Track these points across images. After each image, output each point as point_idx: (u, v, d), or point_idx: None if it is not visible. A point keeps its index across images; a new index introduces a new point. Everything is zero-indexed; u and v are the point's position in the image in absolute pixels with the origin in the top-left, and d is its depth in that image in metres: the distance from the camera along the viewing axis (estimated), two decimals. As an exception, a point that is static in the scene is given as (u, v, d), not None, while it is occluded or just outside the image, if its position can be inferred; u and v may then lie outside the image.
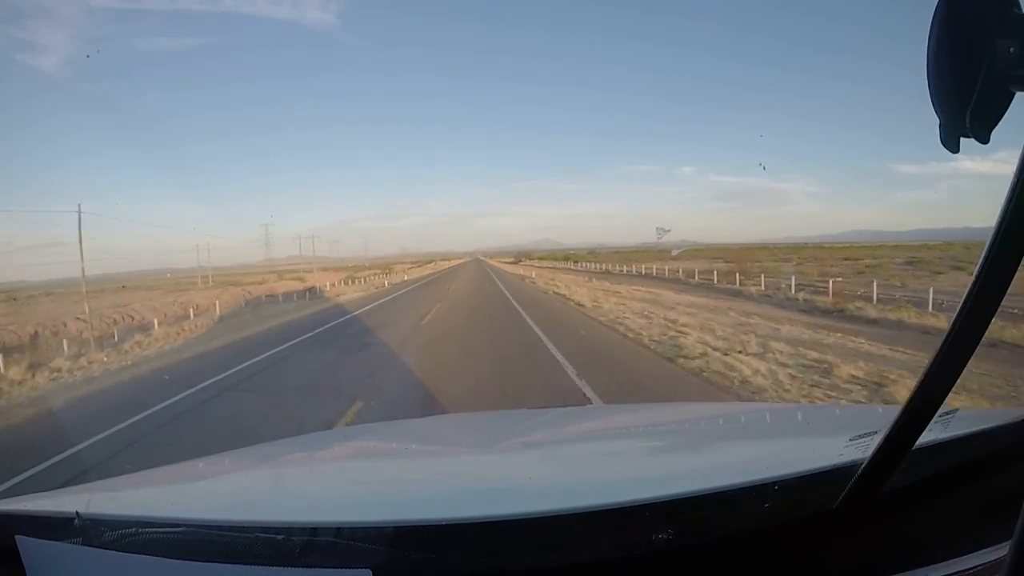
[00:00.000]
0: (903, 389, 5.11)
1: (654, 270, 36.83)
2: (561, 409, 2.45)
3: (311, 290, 32.41)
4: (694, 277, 29.23)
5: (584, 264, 64.36)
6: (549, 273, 39.59)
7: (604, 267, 51.71)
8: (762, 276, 23.63)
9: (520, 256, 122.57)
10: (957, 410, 0.87)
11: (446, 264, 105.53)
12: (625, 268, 44.20)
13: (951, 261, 32.73)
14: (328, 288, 33.85)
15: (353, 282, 40.88)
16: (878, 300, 15.45)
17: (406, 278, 48.07)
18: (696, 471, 1.09)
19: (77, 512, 0.77)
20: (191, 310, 25.28)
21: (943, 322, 10.60)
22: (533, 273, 40.91)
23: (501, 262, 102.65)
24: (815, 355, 6.97)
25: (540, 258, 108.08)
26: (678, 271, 32.48)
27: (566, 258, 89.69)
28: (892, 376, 5.65)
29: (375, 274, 55.08)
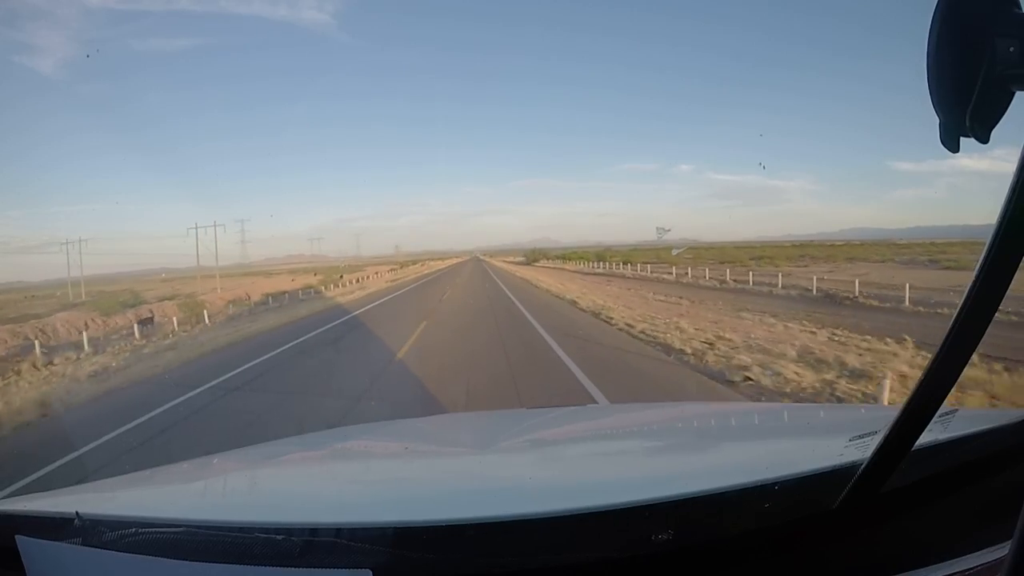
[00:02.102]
0: None
1: (818, 277, 20.30)
2: (562, 409, 2.45)
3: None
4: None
5: (655, 268, 33.34)
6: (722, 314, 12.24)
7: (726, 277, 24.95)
8: None
9: (533, 255, 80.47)
10: (957, 410, 0.87)
11: (439, 265, 76.93)
12: (779, 278, 21.09)
13: None
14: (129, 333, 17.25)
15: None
16: None
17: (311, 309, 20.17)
18: (696, 471, 1.09)
19: (77, 512, 0.77)
20: None
21: None
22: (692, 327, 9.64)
23: (506, 262, 76.99)
24: None
25: (564, 257, 68.34)
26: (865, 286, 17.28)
27: (599, 257, 55.17)
28: None
29: (320, 283, 34.91)
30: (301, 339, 11.67)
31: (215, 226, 40.64)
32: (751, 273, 24.59)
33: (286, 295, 28.05)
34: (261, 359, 9.45)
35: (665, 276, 29.81)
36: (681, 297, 16.96)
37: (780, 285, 20.07)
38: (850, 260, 34.40)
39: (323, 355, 9.68)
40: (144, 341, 15.53)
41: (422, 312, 14.79)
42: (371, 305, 19.66)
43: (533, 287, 24.35)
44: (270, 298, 28.23)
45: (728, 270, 26.77)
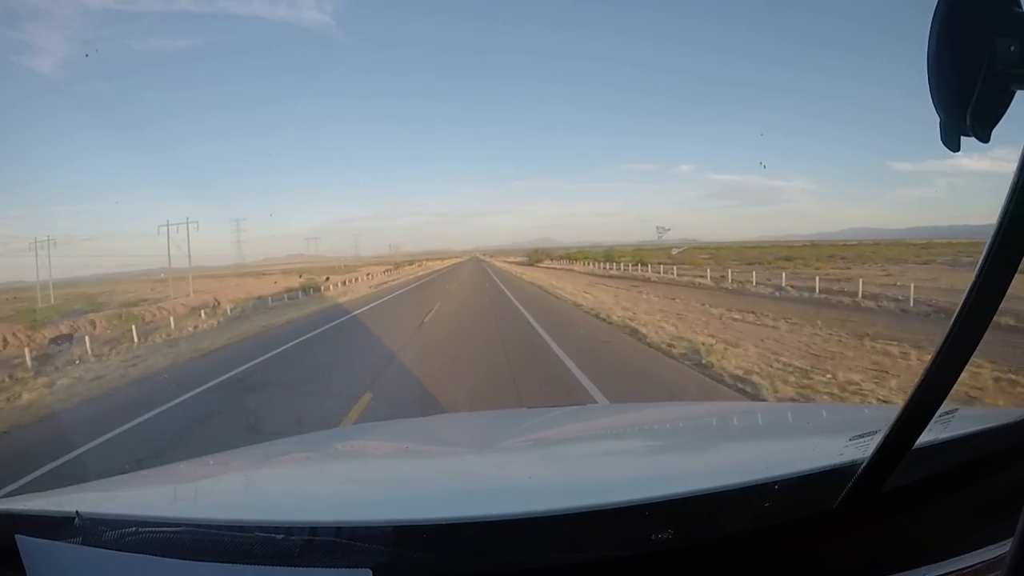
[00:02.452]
0: None
1: (883, 283, 17.99)
2: (562, 408, 2.45)
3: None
4: None
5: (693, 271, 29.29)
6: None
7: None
8: None
9: (536, 255, 76.16)
10: (957, 410, 0.87)
11: (437, 265, 72.81)
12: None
13: None
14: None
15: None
16: None
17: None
18: (696, 471, 1.09)
19: (77, 512, 0.77)
20: None
21: None
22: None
23: (507, 263, 73.06)
24: None
25: (570, 258, 62.00)
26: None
27: (607, 257, 49.58)
28: None
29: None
30: (171, 404, 6.68)
31: (187, 223, 33.94)
32: (817, 278, 19.81)
33: (251, 303, 25.20)
34: (59, 461, 4.72)
35: (700, 280, 24.44)
36: (754, 312, 12.05)
37: (861, 294, 15.94)
38: (892, 261, 29.98)
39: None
40: (30, 373, 11.45)
41: (395, 339, 9.88)
42: (333, 324, 14.53)
43: (552, 297, 17.59)
44: (235, 306, 24.56)
45: (783, 274, 22.40)
